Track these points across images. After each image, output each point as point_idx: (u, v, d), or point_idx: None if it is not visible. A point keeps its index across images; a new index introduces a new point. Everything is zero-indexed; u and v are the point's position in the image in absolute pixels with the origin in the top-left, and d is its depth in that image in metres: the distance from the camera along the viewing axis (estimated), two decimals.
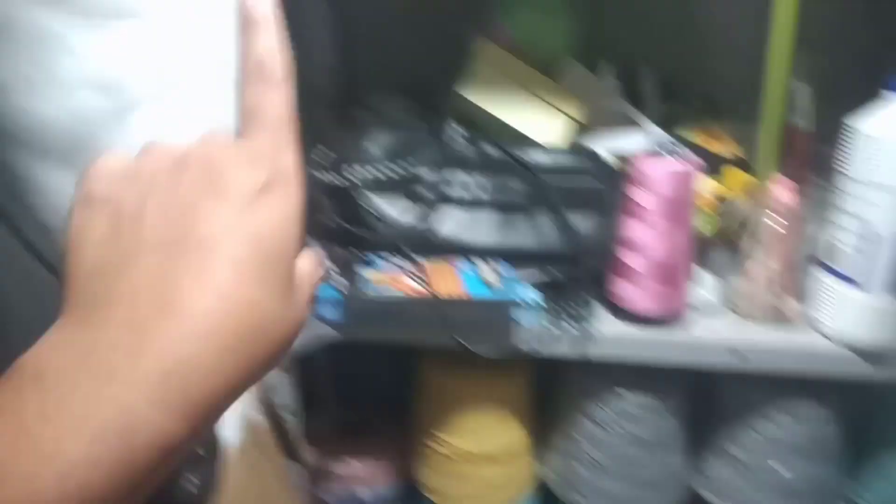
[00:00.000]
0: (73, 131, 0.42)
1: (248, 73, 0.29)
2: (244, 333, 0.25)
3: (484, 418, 0.83)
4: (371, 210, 0.74)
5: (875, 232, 0.71)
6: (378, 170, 0.75)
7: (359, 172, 0.74)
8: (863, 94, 0.74)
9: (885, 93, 0.71)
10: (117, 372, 0.23)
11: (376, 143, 0.77)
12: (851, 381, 0.77)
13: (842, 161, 0.73)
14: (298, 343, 0.54)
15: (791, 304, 0.79)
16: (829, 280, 0.76)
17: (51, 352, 0.24)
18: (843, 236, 0.74)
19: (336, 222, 0.75)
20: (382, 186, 0.75)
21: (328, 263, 0.73)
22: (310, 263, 0.29)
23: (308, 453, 0.78)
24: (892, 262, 0.71)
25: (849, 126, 0.72)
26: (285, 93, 0.29)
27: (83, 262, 0.26)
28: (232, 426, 0.46)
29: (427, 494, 0.89)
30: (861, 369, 0.75)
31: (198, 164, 0.27)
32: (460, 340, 0.70)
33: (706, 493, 0.87)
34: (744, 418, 0.82)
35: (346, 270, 0.72)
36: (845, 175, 0.73)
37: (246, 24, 0.29)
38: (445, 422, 0.83)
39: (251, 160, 0.28)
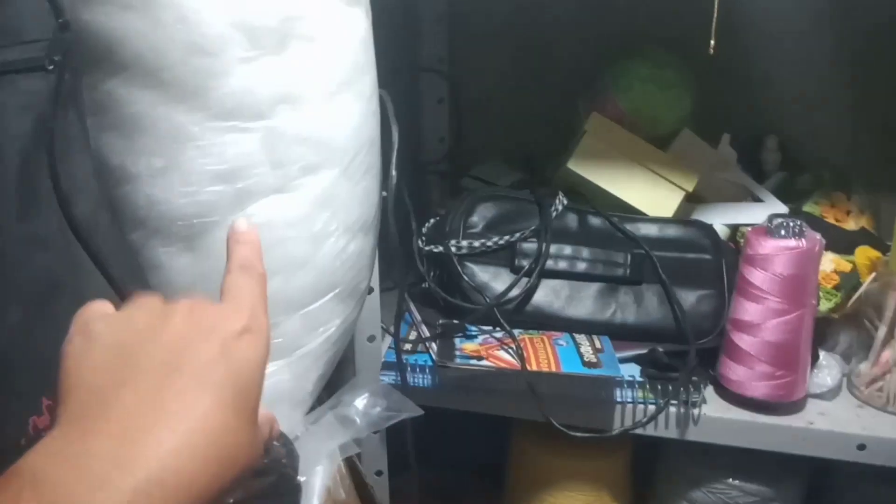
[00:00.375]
0: (196, 219, 0.47)
1: (233, 267, 0.35)
2: (218, 452, 0.29)
3: (578, 496, 0.80)
4: (469, 281, 0.76)
5: None
6: (481, 241, 0.76)
7: (462, 244, 0.76)
8: None
9: None
10: (109, 480, 0.26)
11: (481, 215, 0.79)
12: None
13: None
14: (385, 416, 0.56)
15: None
16: None
17: (48, 459, 0.27)
18: None
19: (436, 292, 0.77)
20: (485, 257, 0.77)
21: (425, 331, 0.75)
22: (266, 413, 0.34)
23: None
24: None
25: None
26: (263, 280, 0.35)
27: (81, 382, 0.30)
28: (317, 496, 0.48)
29: None
30: None
31: (187, 309, 0.32)
32: (548, 417, 0.69)
33: None
34: None
35: (443, 339, 0.74)
36: None
37: (234, 238, 0.36)
38: (536, 496, 0.81)
39: (233, 310, 0.33)
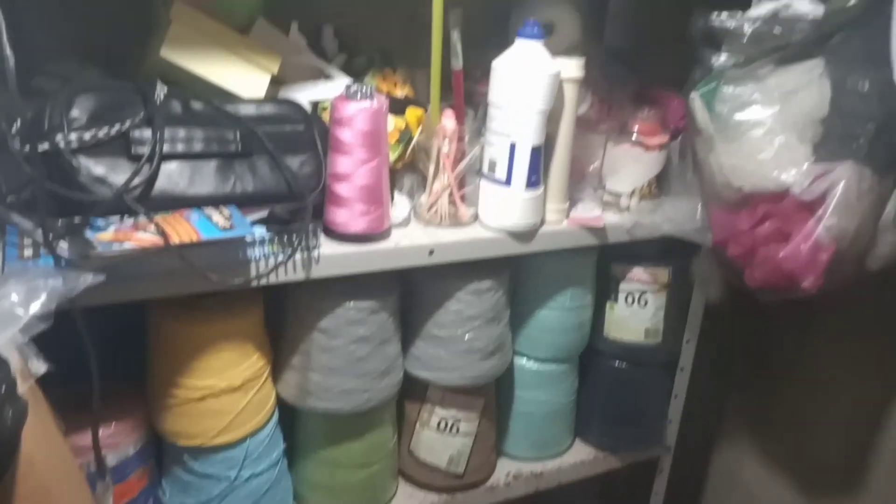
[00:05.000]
0: None
1: None
2: None
3: (223, 354, 0.90)
4: (86, 174, 0.75)
5: (514, 143, 0.95)
6: (91, 133, 0.76)
7: (70, 137, 0.75)
8: (501, 40, 0.96)
9: (516, 39, 0.94)
10: None
11: (82, 107, 0.77)
12: (509, 257, 1.02)
13: (489, 93, 0.95)
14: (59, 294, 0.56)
15: (463, 209, 1.00)
16: (487, 185, 0.99)
17: None
18: (494, 150, 0.97)
19: (49, 191, 0.74)
20: (96, 150, 0.77)
21: (46, 238, 0.71)
22: None
23: None
24: (528, 164, 0.96)
25: (493, 66, 0.94)
26: None
27: None
28: None
29: (177, 441, 0.93)
30: (514, 247, 1.01)
31: None
32: (210, 276, 0.76)
33: (418, 371, 1.08)
34: (439, 303, 1.04)
35: (70, 238, 0.72)
36: (492, 103, 0.96)
37: None
38: (182, 369, 0.89)
39: None
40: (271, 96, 0.96)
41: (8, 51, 0.66)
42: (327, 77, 1.02)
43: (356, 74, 1.06)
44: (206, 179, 0.83)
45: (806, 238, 0.89)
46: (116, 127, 0.77)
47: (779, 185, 0.91)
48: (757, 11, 0.94)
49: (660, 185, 1.11)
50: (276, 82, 0.98)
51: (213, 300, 0.90)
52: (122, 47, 0.98)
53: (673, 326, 1.26)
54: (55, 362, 0.70)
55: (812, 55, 0.93)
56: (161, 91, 0.83)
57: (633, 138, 1.08)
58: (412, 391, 1.13)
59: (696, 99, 0.96)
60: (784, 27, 0.93)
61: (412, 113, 1.01)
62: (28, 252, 0.73)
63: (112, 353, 0.98)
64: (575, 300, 1.17)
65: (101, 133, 0.77)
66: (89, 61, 0.98)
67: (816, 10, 0.93)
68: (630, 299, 1.22)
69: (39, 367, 0.51)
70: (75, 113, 0.77)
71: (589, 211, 1.09)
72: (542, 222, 1.03)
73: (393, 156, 0.99)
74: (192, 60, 0.87)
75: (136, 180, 0.77)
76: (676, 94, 1.13)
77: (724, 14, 0.94)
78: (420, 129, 1.00)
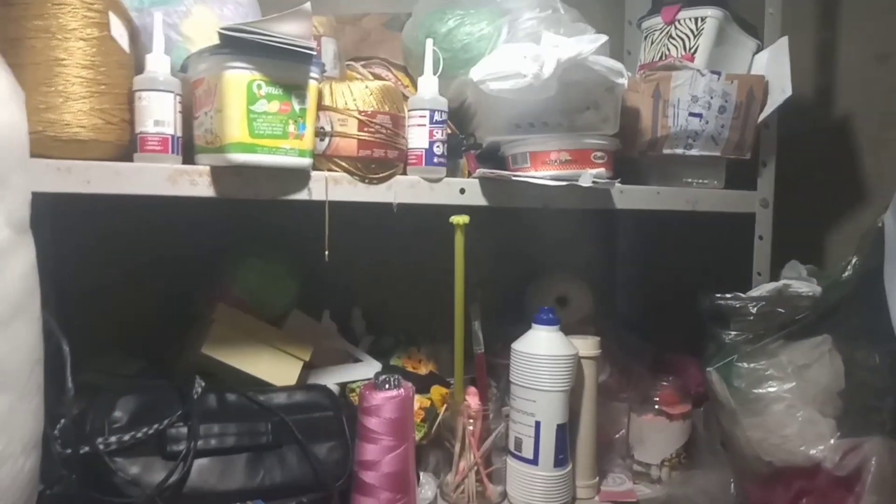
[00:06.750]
0: None
1: None
2: None
3: None
4: (121, 475, 0.77)
5: (539, 421, 0.96)
6: (130, 434, 0.79)
7: (110, 440, 0.78)
8: (519, 325, 1.02)
9: (533, 325, 1.00)
10: None
11: (123, 408, 0.81)
12: None
13: (511, 373, 0.99)
14: None
15: (491, 488, 0.99)
16: (514, 464, 0.99)
17: None
18: (520, 427, 0.98)
19: (85, 493, 0.75)
20: (132, 450, 0.79)
21: None
22: None
23: None
24: (554, 443, 0.96)
25: (513, 349, 0.99)
26: None
27: None
28: None
29: None
30: None
31: None
32: None
33: None
34: None
35: None
36: (514, 383, 0.99)
37: None
38: None
39: None
40: (303, 381, 1.00)
41: (66, 350, 0.71)
42: (356, 360, 1.07)
43: (383, 354, 1.11)
44: (236, 474, 0.84)
45: None
46: (155, 427, 0.81)
47: (808, 459, 0.90)
48: (759, 292, 1.00)
49: (689, 454, 1.10)
50: (309, 366, 1.03)
51: None
52: (162, 339, 1.05)
53: None
54: None
55: (818, 331, 0.97)
56: (199, 386, 0.88)
57: (656, 408, 1.09)
58: None
59: (713, 373, 0.99)
60: (787, 306, 0.98)
61: (437, 391, 1.04)
62: None
63: None
64: None
65: (140, 433, 0.79)
66: (130, 352, 1.04)
67: (815, 289, 1.00)
68: None
69: None
70: (117, 414, 0.81)
71: (619, 484, 1.07)
72: (574, 500, 1.01)
73: (419, 435, 1.00)
74: (230, 356, 0.93)
75: (167, 480, 0.78)
76: (691, 359, 1.17)
77: (729, 295, 1.01)
78: (445, 406, 1.03)
